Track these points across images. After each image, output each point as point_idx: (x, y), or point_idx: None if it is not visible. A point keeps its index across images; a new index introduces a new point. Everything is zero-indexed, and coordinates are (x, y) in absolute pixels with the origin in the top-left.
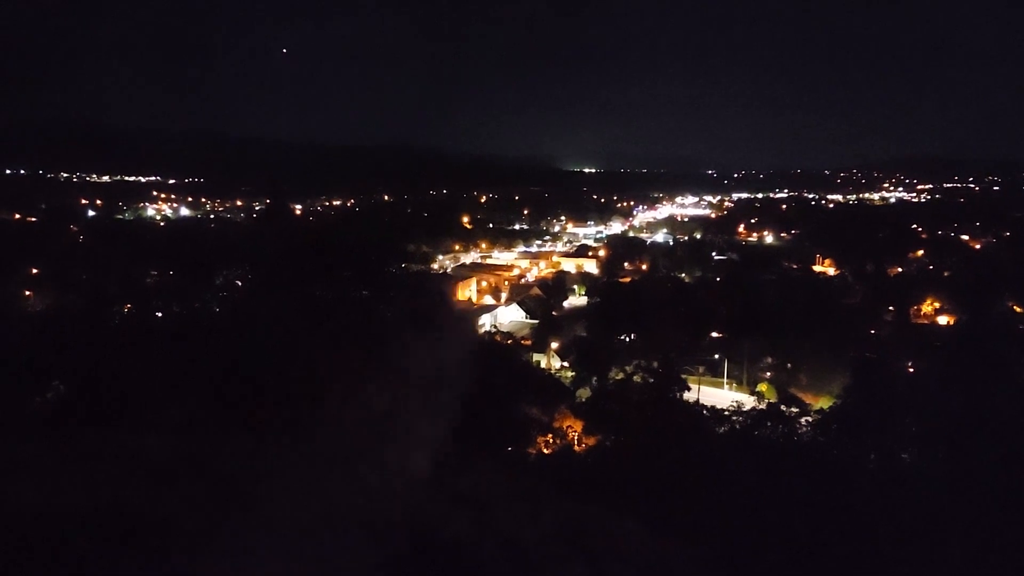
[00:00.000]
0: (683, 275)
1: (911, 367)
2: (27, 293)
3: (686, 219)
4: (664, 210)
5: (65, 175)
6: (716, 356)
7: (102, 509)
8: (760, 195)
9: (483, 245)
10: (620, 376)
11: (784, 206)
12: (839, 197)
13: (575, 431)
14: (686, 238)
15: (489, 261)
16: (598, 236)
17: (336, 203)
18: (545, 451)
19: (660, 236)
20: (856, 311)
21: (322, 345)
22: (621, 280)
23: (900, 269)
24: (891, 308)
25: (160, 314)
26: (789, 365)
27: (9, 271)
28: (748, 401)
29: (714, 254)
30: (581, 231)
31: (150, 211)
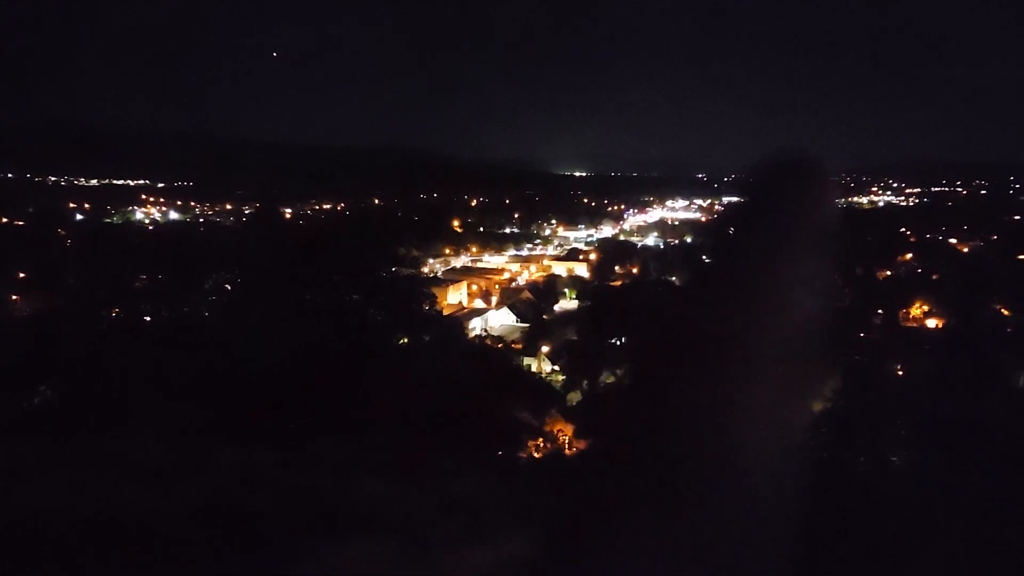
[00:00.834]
0: (674, 279)
1: (900, 370)
2: (14, 297)
3: (676, 222)
4: (655, 213)
5: (53, 178)
6: None
7: (90, 511)
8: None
9: (474, 249)
10: (611, 380)
11: None
12: None
13: (566, 435)
14: (676, 241)
15: (480, 265)
16: (589, 240)
17: (326, 206)
18: (536, 455)
19: (651, 240)
20: (845, 314)
21: (312, 350)
22: (612, 284)
23: (889, 272)
24: (880, 311)
25: (149, 318)
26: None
27: None
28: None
29: (704, 257)
30: (572, 234)
31: (139, 215)
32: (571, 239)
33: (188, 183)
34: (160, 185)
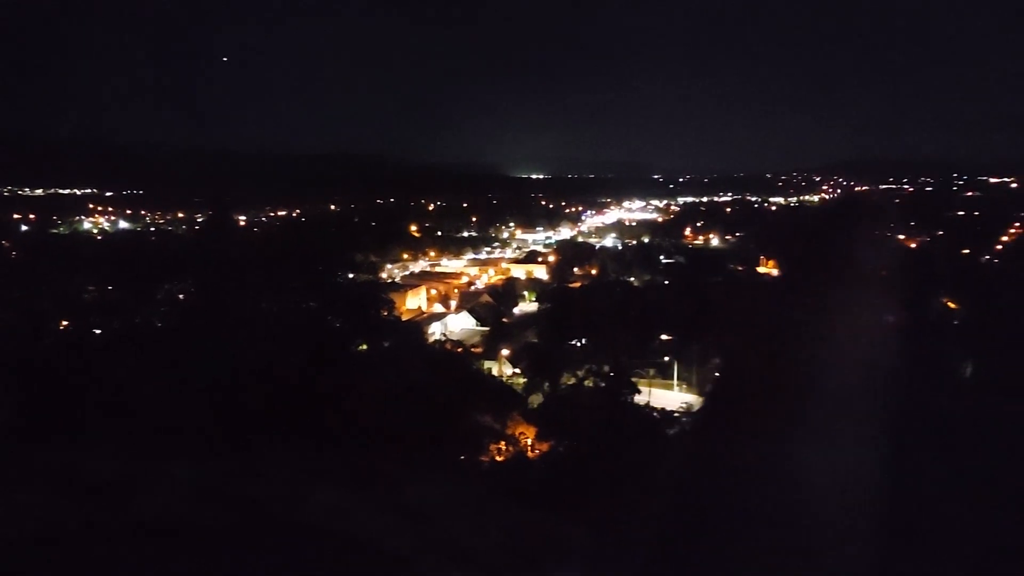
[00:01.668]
0: (632, 279)
1: (856, 367)
2: None
3: (634, 223)
4: (612, 215)
5: None
6: (666, 358)
7: (31, 530)
8: (705, 199)
9: (432, 253)
10: (572, 381)
11: (729, 209)
12: (781, 199)
13: (528, 438)
14: (634, 242)
15: (438, 269)
16: (547, 242)
17: (281, 213)
18: (498, 459)
19: (609, 240)
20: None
21: (267, 359)
22: (571, 285)
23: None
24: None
25: (99, 331)
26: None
27: None
28: (698, 403)
29: (662, 258)
30: (530, 237)
31: (87, 224)
32: (530, 241)
33: (138, 191)
34: (108, 194)
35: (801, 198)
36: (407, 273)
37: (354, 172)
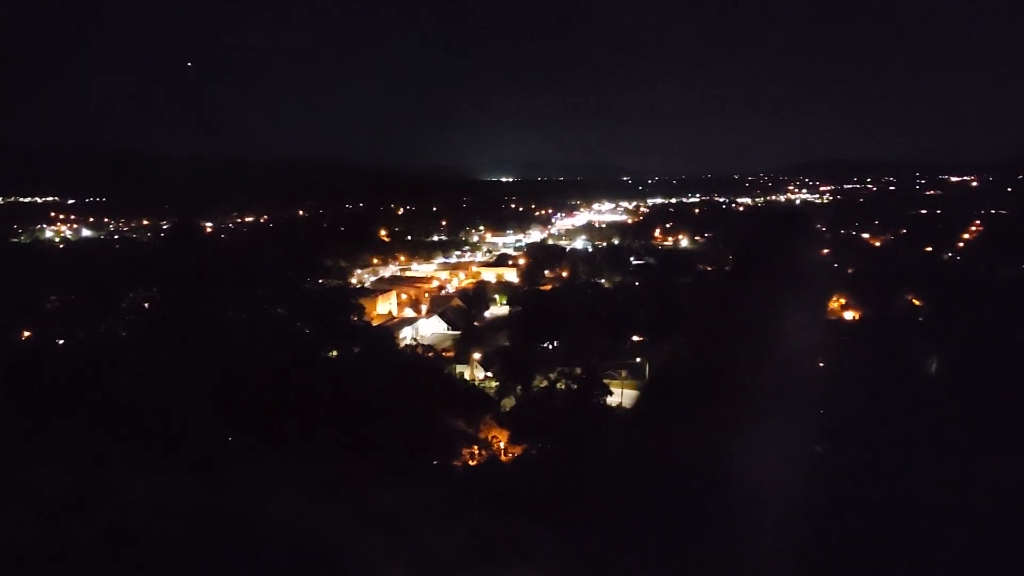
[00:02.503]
0: (603, 281)
1: (821, 363)
2: None
3: (604, 225)
4: (582, 217)
5: None
6: (637, 359)
7: None
8: (674, 200)
9: (402, 258)
10: (544, 384)
11: (697, 210)
12: (748, 200)
13: (500, 441)
14: (604, 244)
15: (409, 274)
16: (517, 245)
17: (248, 219)
18: (471, 463)
19: (579, 243)
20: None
21: (234, 367)
22: (542, 288)
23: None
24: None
25: (62, 341)
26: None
27: None
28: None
29: (632, 259)
30: (500, 240)
31: (49, 233)
32: (500, 245)
33: (101, 199)
34: (71, 202)
35: (768, 198)
36: (377, 278)
37: (322, 177)
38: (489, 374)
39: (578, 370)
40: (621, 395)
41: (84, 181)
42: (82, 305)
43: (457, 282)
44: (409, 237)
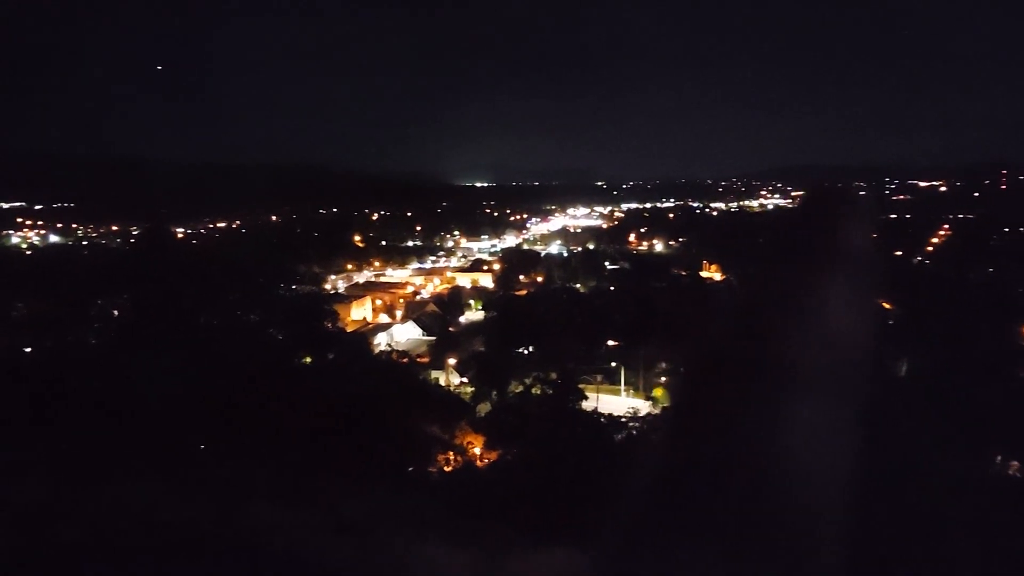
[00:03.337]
0: (578, 285)
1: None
2: None
3: (579, 230)
4: (557, 222)
5: None
6: (613, 364)
7: None
8: (649, 205)
9: (376, 263)
10: (519, 389)
11: (671, 215)
12: (722, 205)
13: (476, 447)
14: (579, 249)
15: (383, 279)
16: (493, 250)
17: (220, 225)
18: (446, 469)
19: (554, 248)
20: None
21: (206, 375)
22: (517, 293)
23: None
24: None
25: (29, 349)
26: (682, 369)
27: None
28: (644, 407)
29: (607, 264)
30: (475, 245)
31: (15, 239)
32: (475, 250)
33: (69, 204)
34: (38, 207)
35: (741, 203)
36: (351, 284)
37: (296, 182)
38: (464, 380)
39: (553, 375)
40: (597, 400)
41: (52, 186)
42: (50, 312)
43: (432, 287)
44: (384, 243)
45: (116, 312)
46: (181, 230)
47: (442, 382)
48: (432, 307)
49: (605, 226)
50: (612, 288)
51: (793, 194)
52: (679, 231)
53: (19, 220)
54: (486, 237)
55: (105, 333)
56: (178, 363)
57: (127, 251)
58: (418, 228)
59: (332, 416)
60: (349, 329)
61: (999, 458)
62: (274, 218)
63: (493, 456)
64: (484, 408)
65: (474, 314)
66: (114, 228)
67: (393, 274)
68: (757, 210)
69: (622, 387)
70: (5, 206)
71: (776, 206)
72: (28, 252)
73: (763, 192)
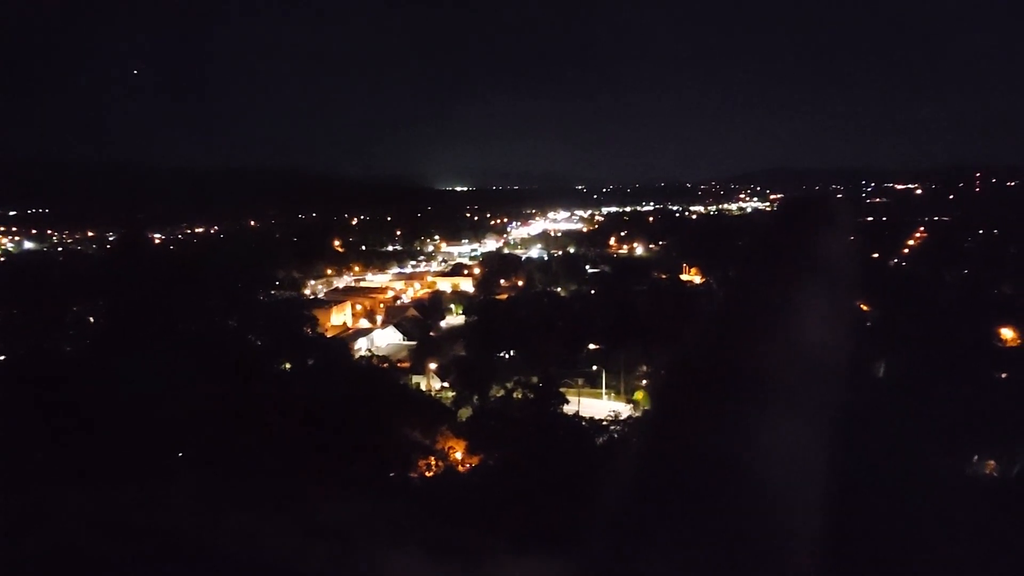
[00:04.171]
0: (559, 289)
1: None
2: None
3: (559, 234)
4: (537, 226)
5: None
6: (594, 367)
7: None
8: (628, 208)
9: (356, 268)
10: (501, 393)
11: (651, 218)
12: (701, 208)
13: (457, 452)
14: (560, 253)
15: (363, 284)
16: (473, 254)
17: (199, 230)
18: (428, 474)
19: (535, 252)
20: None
21: (183, 381)
22: (498, 297)
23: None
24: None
25: (2, 356)
26: (663, 372)
27: None
28: (625, 410)
29: (588, 267)
30: (456, 250)
31: None
32: (455, 254)
33: (43, 210)
34: (12, 213)
35: (720, 206)
36: (331, 289)
37: (275, 187)
38: (445, 384)
39: (535, 379)
40: (578, 403)
41: (26, 191)
42: (25, 319)
43: (412, 292)
44: (364, 247)
45: (92, 319)
46: (159, 235)
47: (423, 387)
48: (413, 312)
49: (585, 230)
50: (593, 291)
51: (772, 197)
52: (659, 234)
53: None
54: (467, 241)
55: (80, 339)
56: (154, 369)
57: (103, 257)
58: (399, 232)
59: (311, 422)
60: (329, 334)
61: (976, 457)
62: (253, 223)
63: (475, 461)
64: (465, 413)
65: (455, 318)
66: (90, 234)
67: (373, 279)
68: (736, 213)
69: (603, 390)
70: None
71: (755, 209)
72: (1, 259)
73: (741, 195)
